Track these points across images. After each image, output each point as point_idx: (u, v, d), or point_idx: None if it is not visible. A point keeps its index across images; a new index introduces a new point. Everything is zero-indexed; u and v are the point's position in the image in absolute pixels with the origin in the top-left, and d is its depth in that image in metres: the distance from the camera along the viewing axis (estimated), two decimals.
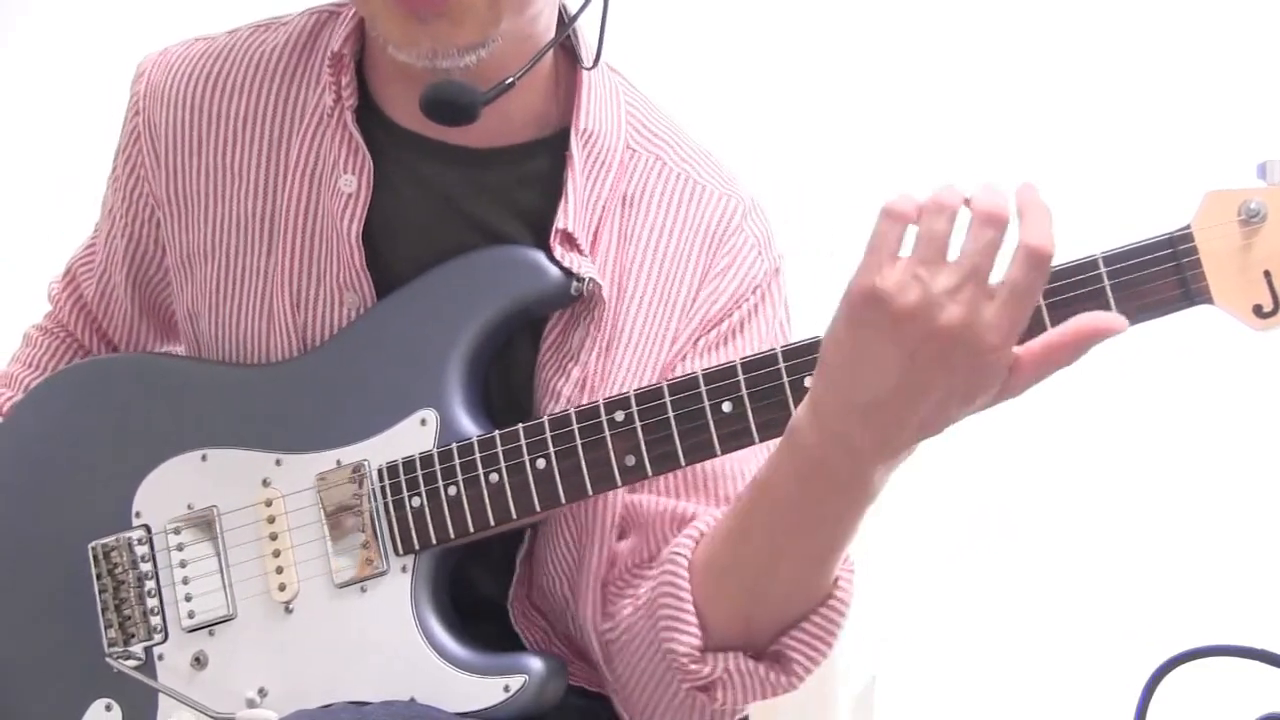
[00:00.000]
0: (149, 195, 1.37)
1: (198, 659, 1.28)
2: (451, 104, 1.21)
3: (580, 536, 1.27)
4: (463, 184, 1.29)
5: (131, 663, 1.29)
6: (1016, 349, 1.02)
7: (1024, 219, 1.01)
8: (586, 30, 1.31)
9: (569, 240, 1.26)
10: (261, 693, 1.25)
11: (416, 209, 1.29)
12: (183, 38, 1.40)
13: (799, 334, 1.32)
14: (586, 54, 1.30)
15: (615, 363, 1.27)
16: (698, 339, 1.28)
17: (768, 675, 1.18)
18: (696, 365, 1.26)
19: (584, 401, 1.25)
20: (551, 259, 1.25)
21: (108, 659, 1.29)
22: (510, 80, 1.22)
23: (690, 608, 1.17)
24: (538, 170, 1.29)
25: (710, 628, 1.17)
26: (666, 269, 1.29)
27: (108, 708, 1.29)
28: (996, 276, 1.02)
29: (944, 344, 0.99)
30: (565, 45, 1.30)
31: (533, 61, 1.24)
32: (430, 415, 1.25)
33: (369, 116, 1.30)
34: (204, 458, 1.30)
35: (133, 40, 1.49)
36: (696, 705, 1.20)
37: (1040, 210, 1.01)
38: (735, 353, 1.27)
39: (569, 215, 1.26)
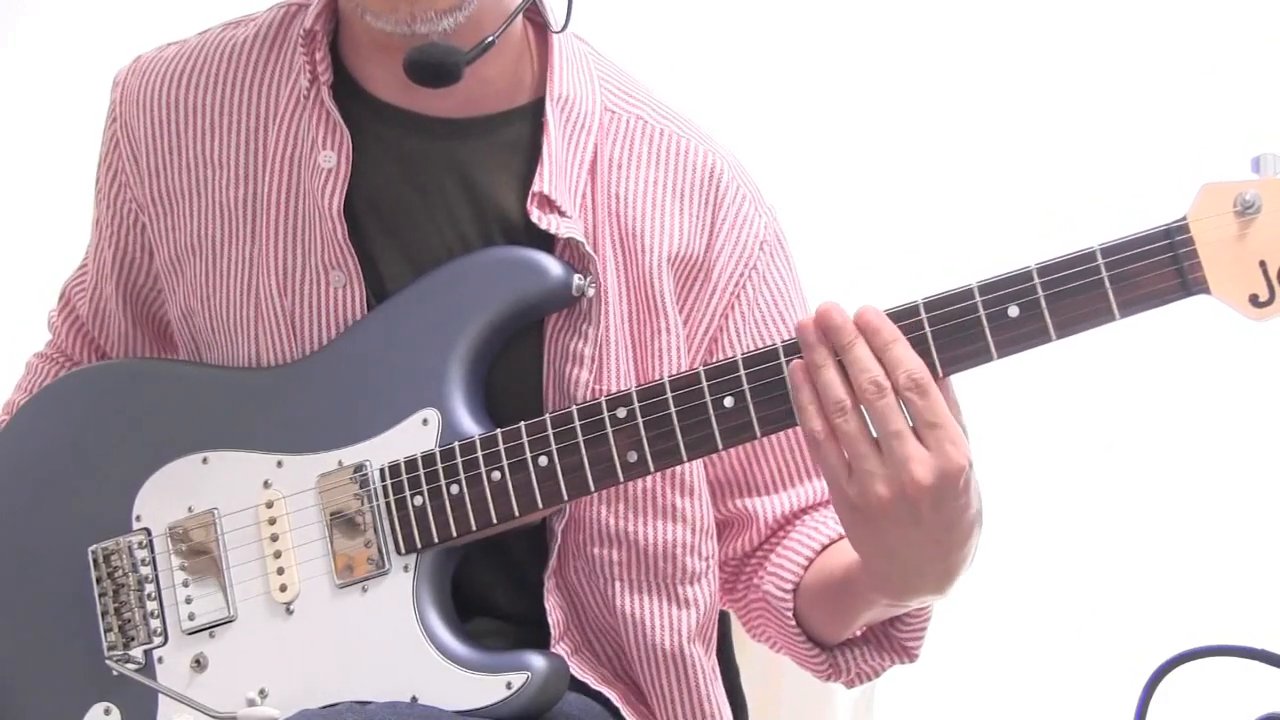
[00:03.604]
0: (132, 201, 1.37)
1: (198, 661, 1.28)
2: (436, 65, 1.23)
3: (643, 505, 1.29)
4: (444, 154, 1.30)
5: (131, 666, 1.28)
6: None
7: (885, 357, 1.12)
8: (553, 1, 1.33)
9: (547, 203, 1.27)
10: (262, 694, 1.25)
11: (398, 182, 1.30)
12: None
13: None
14: (554, 20, 1.31)
15: (645, 325, 1.29)
16: (724, 310, 1.31)
17: (893, 661, 1.33)
18: (732, 338, 1.31)
19: (611, 363, 1.27)
20: (530, 224, 1.26)
21: (107, 661, 1.29)
22: (491, 39, 1.24)
23: (812, 647, 1.32)
24: (516, 137, 1.30)
25: (830, 642, 1.32)
26: (668, 223, 1.30)
27: (107, 711, 1.29)
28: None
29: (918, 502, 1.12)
30: (534, 15, 1.32)
31: (509, 20, 1.26)
32: (432, 415, 1.25)
33: (346, 93, 1.31)
34: (205, 460, 1.30)
35: (132, 49, 1.49)
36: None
37: (893, 337, 1.12)
38: (764, 312, 1.32)
39: (544, 179, 1.27)
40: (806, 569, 1.31)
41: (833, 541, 1.31)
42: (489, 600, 1.31)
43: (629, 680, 1.33)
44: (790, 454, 1.35)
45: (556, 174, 1.27)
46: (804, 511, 1.35)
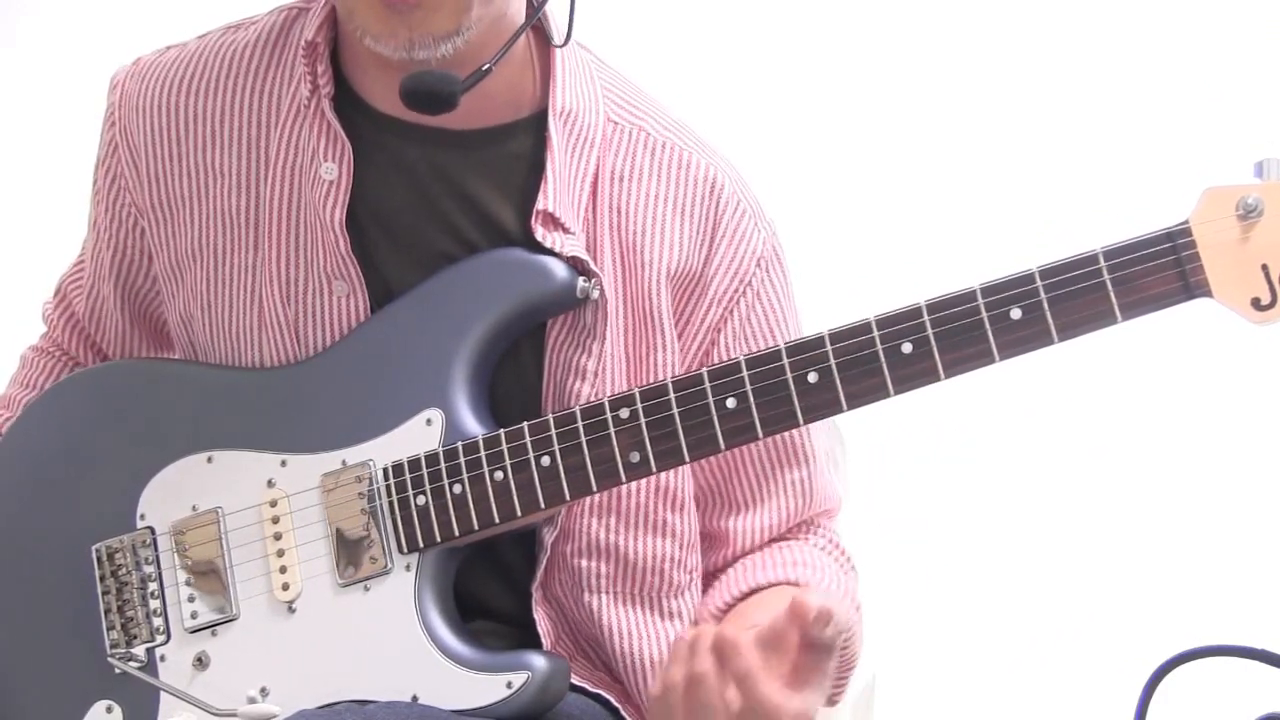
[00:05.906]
0: (131, 205, 1.37)
1: (200, 659, 1.28)
2: (432, 94, 1.22)
3: (630, 518, 1.29)
4: (445, 166, 1.29)
5: (133, 663, 1.29)
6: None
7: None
8: (556, 10, 1.32)
9: (551, 220, 1.26)
10: (264, 692, 1.25)
11: (400, 193, 1.30)
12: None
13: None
14: (557, 33, 1.31)
15: (642, 341, 1.29)
16: (717, 324, 1.31)
17: None
18: (723, 353, 1.30)
19: (608, 376, 1.26)
20: (534, 240, 1.26)
21: (109, 659, 1.30)
22: (487, 66, 1.23)
23: None
24: (519, 150, 1.30)
25: None
26: (669, 237, 1.30)
27: (109, 709, 1.29)
28: None
29: None
30: (536, 26, 1.31)
31: (507, 46, 1.25)
32: (436, 415, 1.25)
33: (347, 104, 1.31)
34: (209, 459, 1.31)
35: (131, 49, 1.50)
36: None
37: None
38: (756, 328, 1.31)
39: (549, 196, 1.27)
40: (724, 613, 1.30)
41: (755, 590, 1.31)
42: (486, 605, 1.31)
43: (623, 686, 1.33)
44: (769, 466, 1.34)
45: (560, 190, 1.27)
46: (774, 541, 1.35)
